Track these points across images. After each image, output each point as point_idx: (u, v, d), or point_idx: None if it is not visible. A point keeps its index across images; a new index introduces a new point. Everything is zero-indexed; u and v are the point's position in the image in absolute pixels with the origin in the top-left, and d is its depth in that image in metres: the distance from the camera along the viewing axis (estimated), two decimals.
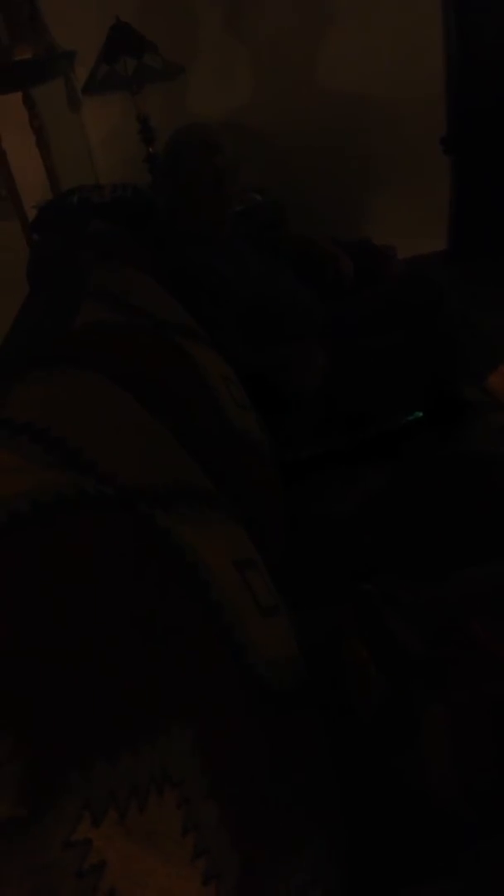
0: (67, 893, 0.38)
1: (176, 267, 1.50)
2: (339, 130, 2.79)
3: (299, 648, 0.69)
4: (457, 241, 2.95)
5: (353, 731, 0.73)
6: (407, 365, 1.48)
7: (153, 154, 2.55)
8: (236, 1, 2.64)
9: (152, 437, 0.74)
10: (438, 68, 2.76)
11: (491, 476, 1.14)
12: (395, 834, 0.67)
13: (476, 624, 0.78)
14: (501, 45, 2.69)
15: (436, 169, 2.87)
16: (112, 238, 1.40)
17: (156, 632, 0.52)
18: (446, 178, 2.90)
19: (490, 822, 0.66)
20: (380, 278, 1.84)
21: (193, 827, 0.45)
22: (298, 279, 1.74)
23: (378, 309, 1.59)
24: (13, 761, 0.38)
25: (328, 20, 2.67)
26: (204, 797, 0.47)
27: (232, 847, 0.47)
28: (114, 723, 0.45)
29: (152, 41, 2.45)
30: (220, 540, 0.68)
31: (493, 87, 2.72)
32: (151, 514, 0.60)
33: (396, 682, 0.75)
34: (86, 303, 1.00)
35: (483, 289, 2.04)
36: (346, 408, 1.46)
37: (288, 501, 1.12)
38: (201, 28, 2.67)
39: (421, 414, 1.40)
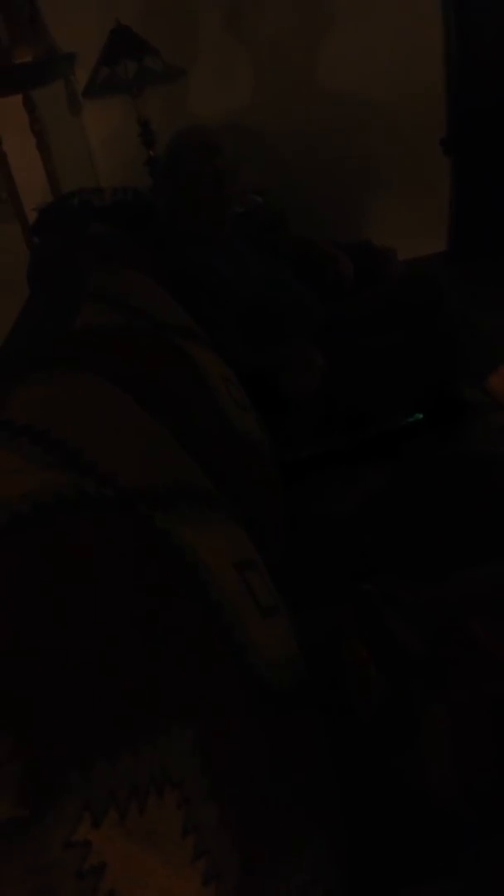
0: (67, 894, 0.38)
1: (176, 267, 1.50)
2: (339, 131, 2.80)
3: (299, 648, 0.69)
4: (457, 242, 2.94)
5: (353, 731, 0.73)
6: (407, 365, 1.48)
7: (154, 157, 2.56)
8: (236, 3, 2.65)
9: (152, 438, 0.74)
10: (438, 69, 2.76)
11: (491, 476, 1.14)
12: (395, 834, 0.67)
13: (476, 624, 0.78)
14: (501, 45, 2.69)
15: (436, 170, 2.87)
16: (112, 240, 1.40)
17: (156, 632, 0.52)
18: (446, 178, 2.90)
19: (490, 822, 0.66)
20: (380, 280, 1.84)
21: (193, 828, 0.45)
22: (298, 280, 1.74)
23: (378, 309, 1.59)
24: (13, 761, 0.38)
25: (328, 21, 2.67)
26: (204, 798, 0.47)
27: (232, 847, 0.47)
28: (114, 723, 0.45)
29: (153, 44, 2.46)
30: (220, 540, 0.68)
31: (494, 88, 2.72)
32: (151, 515, 0.60)
33: (396, 682, 0.75)
34: (86, 305, 1.00)
35: (483, 289, 2.04)
36: (346, 408, 1.46)
37: (288, 501, 1.12)
38: (201, 31, 2.67)
39: (421, 416, 1.40)
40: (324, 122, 2.78)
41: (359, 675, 0.76)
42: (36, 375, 0.72)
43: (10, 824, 0.37)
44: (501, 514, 1.05)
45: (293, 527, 1.07)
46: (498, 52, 2.69)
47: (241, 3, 2.65)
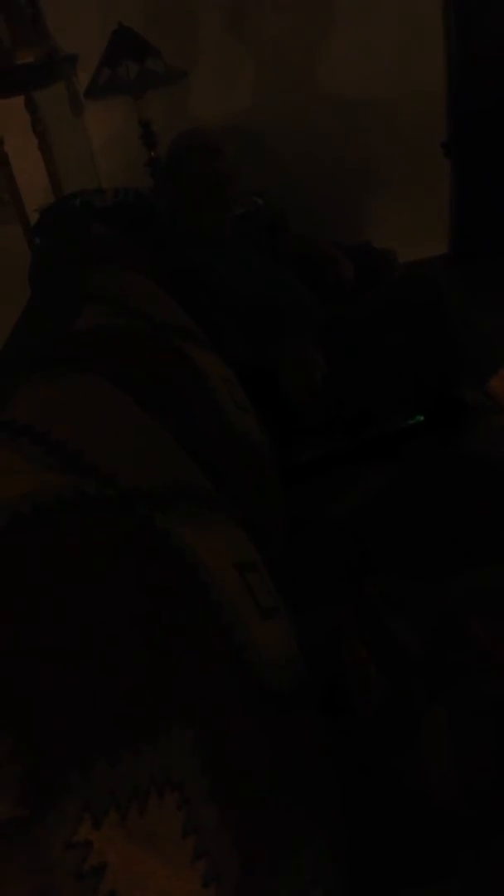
0: (68, 895, 0.38)
1: (176, 268, 1.50)
2: (339, 132, 2.80)
3: (299, 648, 0.69)
4: (458, 244, 2.94)
5: (353, 731, 0.73)
6: (407, 366, 1.48)
7: (155, 158, 2.56)
8: (237, 5, 2.65)
9: (152, 440, 0.74)
10: (439, 70, 2.76)
11: (491, 478, 1.14)
12: (395, 834, 0.67)
13: (476, 624, 0.78)
14: (502, 46, 2.69)
15: (436, 171, 2.87)
16: (113, 242, 1.41)
17: (156, 632, 0.52)
18: (447, 180, 2.90)
19: (490, 823, 0.66)
20: (380, 282, 1.84)
21: (193, 829, 0.45)
22: (298, 281, 1.74)
23: (378, 309, 1.59)
24: (14, 762, 0.39)
25: (329, 23, 2.67)
26: (204, 798, 0.47)
27: (232, 848, 0.47)
28: (114, 723, 0.45)
29: (154, 46, 2.46)
30: (221, 541, 0.68)
31: (494, 89, 2.71)
32: (151, 516, 0.60)
33: (396, 682, 0.75)
34: (86, 306, 1.00)
35: (484, 290, 2.04)
36: (347, 408, 1.46)
37: (288, 501, 1.12)
38: (203, 32, 2.67)
39: (422, 418, 1.40)
40: (324, 124, 2.78)
41: (359, 675, 0.76)
42: (37, 376, 0.72)
43: (10, 825, 0.37)
44: (501, 515, 1.05)
45: (293, 527, 1.07)
46: (498, 52, 2.69)
47: (243, 5, 2.65)
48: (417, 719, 0.72)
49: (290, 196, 2.62)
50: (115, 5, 2.48)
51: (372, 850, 0.65)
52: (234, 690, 0.57)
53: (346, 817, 0.62)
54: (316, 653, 0.72)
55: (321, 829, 0.59)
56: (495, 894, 0.62)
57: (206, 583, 0.60)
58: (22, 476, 0.55)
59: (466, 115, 2.78)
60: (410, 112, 2.76)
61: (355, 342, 1.53)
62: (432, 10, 2.66)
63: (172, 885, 0.43)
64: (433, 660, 0.76)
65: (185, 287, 1.36)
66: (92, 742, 0.43)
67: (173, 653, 0.52)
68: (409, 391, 1.46)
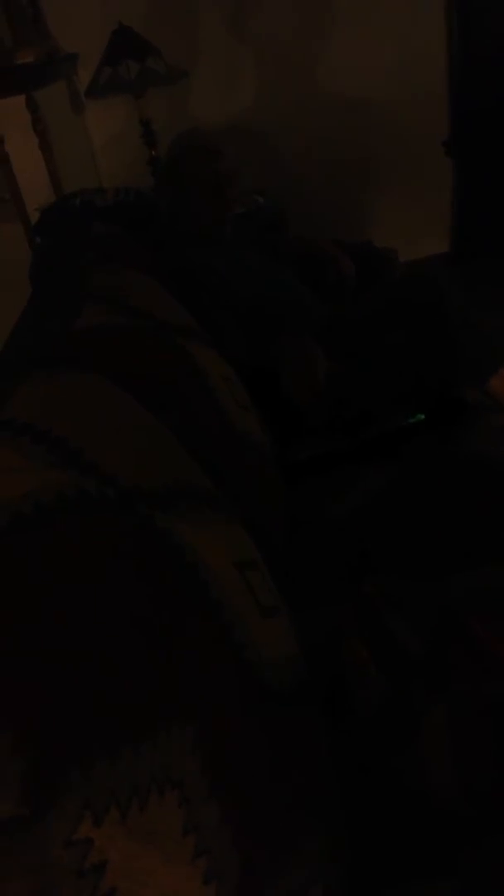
0: (68, 892, 0.38)
1: (177, 267, 1.50)
2: (340, 132, 2.80)
3: (299, 648, 0.69)
4: (459, 243, 2.94)
5: (353, 731, 0.73)
6: (408, 365, 1.48)
7: (156, 157, 2.56)
8: (238, 5, 2.65)
9: (153, 438, 0.74)
10: (440, 70, 2.76)
11: (491, 477, 1.14)
12: (395, 833, 0.67)
13: (476, 624, 0.78)
14: (503, 45, 2.69)
15: (437, 170, 2.87)
16: (113, 240, 1.40)
17: (156, 631, 0.52)
18: (448, 179, 2.90)
19: (490, 823, 0.66)
20: (381, 280, 1.84)
21: (194, 827, 0.45)
22: (299, 280, 1.74)
23: (378, 309, 1.59)
24: (15, 760, 0.39)
25: (330, 23, 2.67)
26: (204, 797, 0.47)
27: (232, 847, 0.47)
28: (114, 722, 0.45)
29: (155, 45, 2.46)
30: (221, 540, 0.68)
31: (495, 89, 2.71)
32: (152, 515, 0.60)
33: (396, 682, 0.75)
34: (87, 305, 1.00)
35: (484, 290, 2.04)
36: (347, 408, 1.46)
37: (288, 501, 1.12)
38: (203, 32, 2.67)
39: (423, 416, 1.40)
40: (325, 123, 2.78)
41: (359, 675, 0.76)
42: (37, 375, 0.72)
43: (11, 823, 0.37)
44: (501, 515, 1.05)
45: (293, 527, 1.07)
46: (499, 52, 2.69)
47: (244, 5, 2.65)
48: (417, 719, 0.72)
49: (290, 195, 2.62)
50: (116, 5, 2.48)
51: (372, 849, 0.65)
52: (235, 689, 0.57)
53: (346, 816, 0.63)
54: (316, 653, 0.72)
55: (321, 828, 0.59)
56: (495, 894, 0.62)
57: (207, 581, 0.60)
58: (23, 474, 0.55)
59: (467, 114, 2.78)
60: (411, 111, 2.76)
61: (356, 341, 1.53)
62: (434, 10, 2.66)
63: (173, 882, 0.43)
64: (433, 660, 0.76)
65: (185, 287, 1.36)
66: (92, 740, 0.43)
67: (173, 651, 0.52)
68: (410, 390, 1.46)
